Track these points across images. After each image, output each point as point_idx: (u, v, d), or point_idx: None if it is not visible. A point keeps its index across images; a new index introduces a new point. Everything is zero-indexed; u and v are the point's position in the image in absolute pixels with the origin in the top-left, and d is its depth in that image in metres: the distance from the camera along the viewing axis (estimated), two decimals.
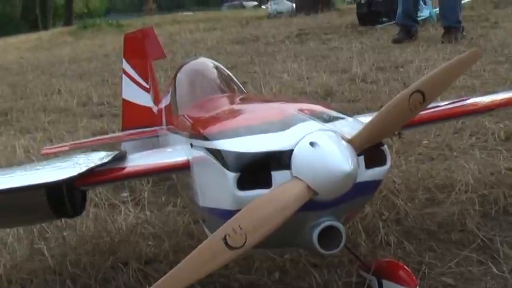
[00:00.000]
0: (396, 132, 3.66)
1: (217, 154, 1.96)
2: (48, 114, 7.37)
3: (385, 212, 3.43)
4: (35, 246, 3.44)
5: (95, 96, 8.08)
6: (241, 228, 1.71)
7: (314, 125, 1.94)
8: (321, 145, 1.81)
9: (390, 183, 3.79)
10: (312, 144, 1.81)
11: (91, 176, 2.32)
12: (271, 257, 3.03)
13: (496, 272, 2.74)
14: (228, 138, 1.98)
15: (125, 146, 4.53)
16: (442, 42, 8.99)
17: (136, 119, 4.60)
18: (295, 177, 1.82)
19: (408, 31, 9.61)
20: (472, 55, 2.00)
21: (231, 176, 1.87)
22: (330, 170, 1.77)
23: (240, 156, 1.89)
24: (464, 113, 3.20)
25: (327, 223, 1.90)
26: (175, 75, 3.37)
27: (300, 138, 1.85)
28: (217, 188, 1.97)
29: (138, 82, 4.76)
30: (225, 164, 1.91)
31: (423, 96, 1.85)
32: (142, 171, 2.43)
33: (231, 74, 3.23)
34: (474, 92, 5.87)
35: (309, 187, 1.79)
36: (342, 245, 1.92)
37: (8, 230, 3.61)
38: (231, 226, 1.72)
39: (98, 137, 5.28)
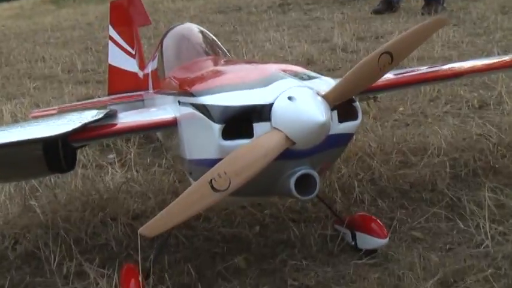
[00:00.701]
0: (371, 96, 3.83)
1: (203, 109, 2.13)
2: (33, 81, 7.43)
3: (360, 172, 3.62)
4: (27, 203, 3.59)
5: (79, 64, 8.15)
6: (225, 173, 1.89)
7: (292, 82, 2.12)
8: (298, 99, 1.98)
9: (366, 147, 3.98)
10: (290, 98, 1.99)
11: (85, 131, 2.48)
12: (251, 212, 3.22)
13: (463, 227, 2.94)
14: (214, 94, 2.15)
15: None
16: (422, 14, 9.14)
17: (122, 84, 4.72)
18: (275, 128, 1.99)
19: (389, 2, 9.74)
20: (438, 22, 2.19)
21: (216, 127, 2.05)
22: (305, 121, 1.95)
23: (224, 109, 2.06)
24: (438, 78, 3.38)
25: (303, 171, 2.09)
26: (162, 40, 3.51)
27: (279, 93, 2.03)
28: (203, 139, 2.14)
29: (124, 48, 4.88)
30: (210, 117, 2.08)
31: (391, 57, 2.03)
32: (133, 127, 2.59)
33: (215, 39, 3.38)
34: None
35: (287, 137, 1.97)
36: (316, 191, 2.11)
37: None
38: (216, 171, 1.91)
39: (85, 101, 5.40)
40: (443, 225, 3.00)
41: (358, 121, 2.19)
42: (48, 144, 2.44)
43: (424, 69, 3.43)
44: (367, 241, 2.71)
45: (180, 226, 2.94)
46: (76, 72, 7.83)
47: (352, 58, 6.86)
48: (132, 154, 4.27)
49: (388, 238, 2.70)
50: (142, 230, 1.93)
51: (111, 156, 4.42)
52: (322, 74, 2.32)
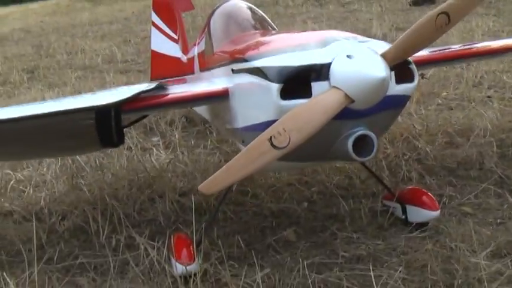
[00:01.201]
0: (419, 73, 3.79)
1: (259, 72, 2.15)
2: (74, 71, 7.53)
3: (406, 152, 3.60)
4: (74, 182, 3.63)
5: (119, 55, 8.22)
6: (285, 130, 1.89)
7: (350, 42, 2.13)
8: (357, 57, 1.98)
9: (411, 129, 3.95)
10: (349, 56, 1.99)
11: (137, 101, 2.50)
12: (299, 189, 3.23)
13: None
14: (270, 56, 2.17)
15: None
16: None
17: (165, 69, 4.72)
18: (334, 87, 1.99)
19: None
20: None
21: (275, 87, 2.05)
22: (365, 77, 1.95)
23: (282, 69, 2.07)
24: (473, 54, 3.36)
25: (361, 132, 2.08)
26: (209, 19, 3.51)
27: (337, 52, 2.03)
28: (260, 103, 2.14)
29: (166, 33, 4.89)
30: (267, 78, 2.09)
31: (448, 18, 2.03)
32: (184, 97, 2.62)
33: (264, 14, 3.37)
34: None
35: (346, 95, 1.96)
36: (374, 152, 2.10)
37: (45, 168, 3.82)
38: (276, 129, 1.91)
39: None
40: (493, 201, 2.97)
41: (415, 83, 2.19)
42: (101, 113, 2.45)
43: (458, 46, 3.40)
44: (418, 214, 2.70)
45: (227, 202, 2.98)
46: (116, 63, 7.90)
47: None
48: (176, 137, 4.30)
49: (439, 211, 2.68)
50: (201, 186, 1.95)
51: (155, 138, 4.45)
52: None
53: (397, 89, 2.13)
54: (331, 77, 2.01)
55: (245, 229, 2.89)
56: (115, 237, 2.91)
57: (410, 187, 2.90)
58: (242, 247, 2.69)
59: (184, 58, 4.55)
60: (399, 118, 4.08)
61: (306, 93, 2.04)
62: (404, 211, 2.76)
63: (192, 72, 3.92)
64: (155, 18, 4.98)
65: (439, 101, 4.66)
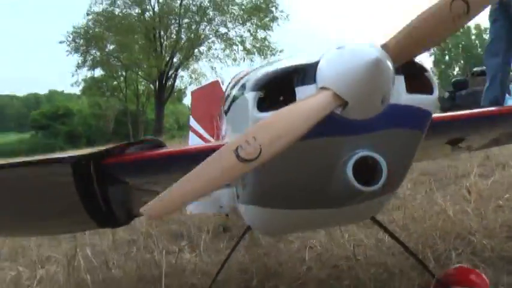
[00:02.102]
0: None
1: (241, 90, 1.76)
2: None
3: (459, 247, 3.08)
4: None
5: None
6: (255, 139, 1.46)
7: None
8: (348, 45, 1.55)
9: (467, 225, 3.45)
10: (339, 47, 1.56)
11: (121, 155, 2.15)
12: (330, 284, 2.75)
13: None
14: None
15: None
16: None
17: None
18: (321, 88, 1.56)
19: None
20: None
21: (250, 96, 1.65)
22: (354, 63, 1.50)
23: (260, 77, 1.68)
24: None
25: (363, 153, 1.63)
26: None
27: (327, 49, 1.60)
28: (239, 122, 1.74)
29: (203, 137, 4.65)
30: (245, 89, 1.70)
31: (468, 6, 1.59)
32: (177, 152, 2.24)
33: None
34: None
35: (335, 94, 1.52)
36: (382, 179, 1.62)
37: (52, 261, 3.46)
38: (244, 138, 1.48)
39: None
40: None
41: (435, 95, 1.71)
42: (78, 166, 2.09)
43: None
44: None
45: None
46: None
47: None
48: (204, 240, 3.90)
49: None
50: (143, 209, 1.51)
51: (183, 243, 4.07)
52: None
53: (407, 97, 1.66)
54: (318, 77, 1.58)
55: None
56: None
57: (455, 266, 2.38)
58: None
59: None
60: (451, 213, 3.62)
61: (290, 100, 1.61)
62: None
63: None
64: (192, 122, 4.77)
65: (500, 202, 4.13)
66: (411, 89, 1.67)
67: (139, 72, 49.92)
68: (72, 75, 49.70)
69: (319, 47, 1.66)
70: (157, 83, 47.70)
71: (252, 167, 1.46)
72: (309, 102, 1.51)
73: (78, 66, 47.66)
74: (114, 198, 2.36)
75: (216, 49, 47.96)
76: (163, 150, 2.21)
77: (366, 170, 1.63)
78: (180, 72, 50.45)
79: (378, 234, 3.44)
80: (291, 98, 1.60)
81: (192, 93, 4.94)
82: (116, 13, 45.80)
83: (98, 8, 46.43)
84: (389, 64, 1.53)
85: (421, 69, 1.71)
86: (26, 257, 3.75)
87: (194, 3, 45.83)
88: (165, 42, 47.08)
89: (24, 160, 2.11)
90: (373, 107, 1.57)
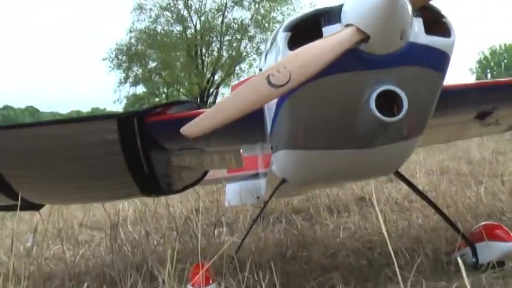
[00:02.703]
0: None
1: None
2: None
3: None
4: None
5: None
6: (285, 68, 1.58)
7: None
8: None
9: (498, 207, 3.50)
10: None
11: (163, 114, 2.30)
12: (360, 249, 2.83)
13: None
14: None
15: None
16: None
17: None
18: (346, 25, 1.68)
19: None
20: None
21: (282, 35, 1.78)
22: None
23: (291, 19, 1.83)
24: None
25: (386, 87, 1.73)
26: None
27: None
28: (273, 61, 1.86)
29: None
30: (278, 31, 1.84)
31: None
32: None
33: None
34: None
35: (357, 29, 1.64)
36: (404, 111, 1.72)
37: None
38: (275, 67, 1.61)
39: None
40: None
41: (453, 39, 1.82)
42: (123, 122, 2.25)
43: None
44: (490, 250, 2.25)
45: (273, 257, 2.62)
46: None
47: None
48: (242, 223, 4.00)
49: None
50: (183, 129, 1.63)
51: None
52: None
53: (427, 39, 1.77)
54: (343, 16, 1.71)
55: (284, 274, 2.49)
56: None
57: (481, 224, 2.44)
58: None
59: None
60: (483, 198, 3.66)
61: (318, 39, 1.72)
62: (474, 252, 2.31)
63: None
64: None
65: None
66: (430, 31, 1.78)
67: (181, 90, 50.42)
68: (115, 92, 50.37)
69: None
70: (198, 100, 48.08)
71: (283, 91, 1.59)
72: (335, 36, 1.65)
73: (121, 83, 48.31)
74: (156, 162, 2.50)
75: (257, 66, 47.99)
76: (200, 110, 2.34)
77: (389, 103, 1.74)
78: (221, 90, 50.80)
79: (411, 217, 3.51)
80: (318, 37, 1.71)
81: (233, 86, 5.06)
82: (158, 30, 46.37)
83: (140, 25, 47.08)
84: (407, 2, 1.64)
85: (439, 14, 1.82)
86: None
87: (235, 21, 46.19)
88: (206, 60, 47.51)
89: (71, 117, 2.25)
90: (393, 41, 1.68)
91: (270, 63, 1.94)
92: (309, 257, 2.85)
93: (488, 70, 63.87)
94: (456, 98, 2.37)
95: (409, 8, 1.65)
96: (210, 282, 2.16)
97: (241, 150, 3.05)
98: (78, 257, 3.37)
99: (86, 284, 2.47)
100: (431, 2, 1.77)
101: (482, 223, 2.46)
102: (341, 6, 1.72)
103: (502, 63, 64.45)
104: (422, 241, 2.84)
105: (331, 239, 3.23)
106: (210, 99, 49.14)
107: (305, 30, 1.76)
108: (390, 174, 2.53)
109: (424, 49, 1.77)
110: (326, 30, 1.74)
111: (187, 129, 1.62)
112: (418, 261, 2.39)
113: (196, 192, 4.94)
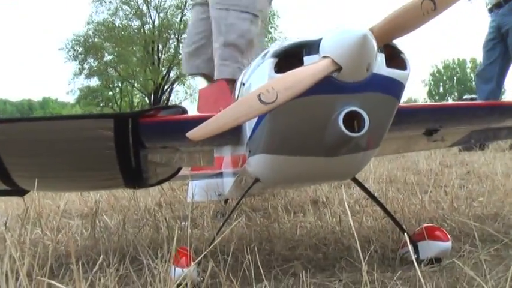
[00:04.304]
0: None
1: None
2: None
3: None
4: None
5: None
6: (273, 89, 1.95)
7: None
8: (343, 26, 2.04)
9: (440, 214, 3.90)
10: (337, 28, 2.07)
11: (156, 116, 2.62)
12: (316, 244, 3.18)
13: None
14: None
15: None
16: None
17: None
18: (323, 56, 2.05)
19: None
20: None
21: (269, 61, 2.15)
22: (346, 35, 2.00)
23: (277, 48, 2.19)
24: None
25: (352, 108, 2.11)
26: None
27: (328, 30, 2.11)
28: (260, 81, 2.22)
29: None
30: (265, 57, 2.21)
31: (434, 4, 2.08)
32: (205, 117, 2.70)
33: None
34: None
35: (333, 60, 2.01)
36: (365, 128, 2.10)
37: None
38: (265, 87, 1.97)
39: None
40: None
41: (408, 72, 2.22)
42: (119, 121, 2.56)
43: None
44: (429, 248, 2.65)
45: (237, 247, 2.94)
46: None
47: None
48: (206, 219, 4.31)
49: (450, 242, 2.63)
50: (189, 134, 1.97)
51: (184, 223, 4.46)
52: None
53: (388, 71, 2.16)
54: (321, 48, 2.08)
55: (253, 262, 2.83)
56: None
57: (423, 226, 2.83)
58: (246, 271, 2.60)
59: None
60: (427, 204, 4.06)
61: (299, 66, 2.10)
62: (416, 250, 2.70)
63: None
64: None
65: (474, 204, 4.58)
66: (390, 65, 2.17)
67: (135, 84, 50.20)
68: (69, 83, 49.85)
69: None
70: (152, 96, 47.94)
71: (271, 108, 1.95)
72: (313, 66, 2.03)
73: (75, 75, 47.87)
74: (143, 157, 2.82)
75: None
76: (194, 114, 2.69)
77: (353, 122, 2.13)
78: (176, 87, 50.69)
79: (362, 219, 3.88)
80: (300, 65, 2.10)
81: (200, 91, 5.35)
82: (116, 24, 46.18)
83: (98, 18, 46.75)
84: (373, 41, 2.03)
85: (398, 51, 2.22)
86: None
87: None
88: (163, 56, 47.51)
89: (71, 114, 2.56)
90: (361, 72, 2.07)
91: (254, 82, 2.31)
92: (271, 249, 3.19)
93: (441, 83, 65.22)
94: (408, 116, 2.76)
95: (375, 46, 2.04)
96: (192, 263, 2.46)
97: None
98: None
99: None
100: (393, 42, 2.17)
101: (424, 225, 2.85)
102: (319, 40, 2.10)
103: (455, 77, 65.85)
104: (371, 239, 3.21)
105: (289, 235, 3.58)
106: (164, 96, 49.07)
107: (289, 57, 2.14)
108: (348, 180, 2.89)
109: (384, 79, 2.17)
110: (306, 59, 2.11)
111: (192, 134, 1.95)
112: (367, 256, 2.78)
113: (161, 187, 5.23)
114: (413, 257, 2.40)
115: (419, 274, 2.09)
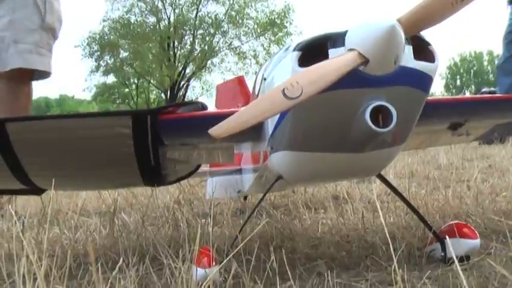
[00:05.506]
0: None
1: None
2: None
3: None
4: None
5: None
6: (298, 83, 1.87)
7: None
8: (371, 18, 1.96)
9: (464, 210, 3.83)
10: (364, 20, 1.99)
11: (175, 113, 2.57)
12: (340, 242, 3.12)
13: None
14: None
15: None
16: None
17: None
18: (349, 49, 1.97)
19: None
20: None
21: (293, 54, 2.07)
22: (373, 26, 1.91)
23: (301, 41, 2.13)
24: None
25: (379, 102, 2.03)
26: None
27: (354, 22, 2.04)
28: (281, 75, 2.15)
29: None
30: (288, 51, 2.15)
31: None
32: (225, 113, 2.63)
33: None
34: None
35: (359, 53, 1.93)
36: (393, 123, 2.02)
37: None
38: (289, 82, 1.89)
39: None
40: None
41: (436, 64, 2.14)
42: (137, 118, 2.50)
43: None
44: (457, 246, 2.54)
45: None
46: None
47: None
48: (226, 215, 4.26)
49: (479, 240, 2.55)
50: (211, 131, 1.91)
51: (203, 220, 4.41)
52: None
53: (415, 63, 2.09)
54: (347, 41, 2.00)
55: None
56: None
57: (450, 222, 2.75)
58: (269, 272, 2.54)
59: None
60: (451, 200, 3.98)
61: (324, 59, 2.02)
62: (443, 248, 2.62)
63: None
64: None
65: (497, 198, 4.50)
66: (418, 57, 2.10)
67: (152, 81, 50.29)
68: (85, 80, 50.02)
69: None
70: (168, 92, 47.99)
71: (295, 103, 1.87)
72: (339, 59, 1.94)
73: (92, 72, 48.02)
74: (162, 154, 2.77)
75: (229, 62, 48.13)
76: (214, 110, 2.63)
77: (380, 116, 2.05)
78: (192, 83, 50.69)
79: (386, 215, 3.81)
80: (324, 58, 2.01)
81: (218, 86, 5.30)
82: (132, 21, 46.28)
83: (114, 15, 46.87)
84: (402, 33, 1.94)
85: (426, 42, 2.14)
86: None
87: (209, 15, 46.26)
88: (178, 52, 47.54)
89: (88, 111, 2.51)
90: (388, 65, 1.98)
91: (277, 76, 2.24)
92: (293, 248, 3.13)
93: (458, 76, 64.79)
94: (432, 110, 2.68)
95: (403, 38, 1.95)
96: (214, 264, 2.40)
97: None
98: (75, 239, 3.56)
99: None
100: (420, 33, 2.08)
101: (451, 222, 2.77)
102: (345, 32, 2.02)
103: (472, 70, 65.37)
104: (396, 237, 3.13)
105: (310, 233, 3.51)
106: (181, 92, 49.09)
107: (313, 50, 2.06)
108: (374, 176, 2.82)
109: (412, 72, 2.08)
110: (331, 52, 2.04)
111: (214, 131, 1.89)
112: (394, 254, 2.71)
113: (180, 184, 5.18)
114: (452, 254, 2.28)
115: (460, 272, 1.99)
